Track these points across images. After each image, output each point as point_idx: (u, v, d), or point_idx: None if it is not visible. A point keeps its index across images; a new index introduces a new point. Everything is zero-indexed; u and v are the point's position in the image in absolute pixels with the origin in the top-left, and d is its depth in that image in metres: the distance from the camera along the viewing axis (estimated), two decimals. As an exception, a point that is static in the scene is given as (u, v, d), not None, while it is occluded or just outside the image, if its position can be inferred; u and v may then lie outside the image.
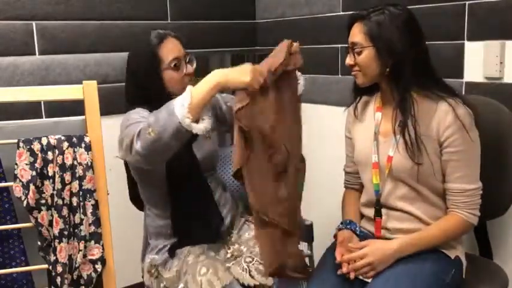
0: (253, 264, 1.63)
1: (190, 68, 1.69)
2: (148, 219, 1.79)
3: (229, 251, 1.73)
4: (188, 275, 1.60)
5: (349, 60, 1.57)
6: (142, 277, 1.79)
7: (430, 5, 2.03)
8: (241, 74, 1.42)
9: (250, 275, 1.60)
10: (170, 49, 1.64)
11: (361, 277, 1.49)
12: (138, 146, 1.42)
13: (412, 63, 1.48)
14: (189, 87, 1.44)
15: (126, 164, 1.80)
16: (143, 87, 1.65)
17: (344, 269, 1.49)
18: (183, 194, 1.69)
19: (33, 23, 2.26)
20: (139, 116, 1.56)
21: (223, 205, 1.78)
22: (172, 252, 1.70)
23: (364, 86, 1.60)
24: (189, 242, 1.70)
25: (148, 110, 1.58)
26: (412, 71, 1.48)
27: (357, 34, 1.52)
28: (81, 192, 1.66)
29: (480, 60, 1.89)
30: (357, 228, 1.63)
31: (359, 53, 1.52)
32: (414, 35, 1.51)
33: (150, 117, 1.44)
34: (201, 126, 1.42)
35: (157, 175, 1.66)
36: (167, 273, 1.67)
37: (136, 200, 1.86)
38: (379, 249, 1.48)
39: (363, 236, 1.61)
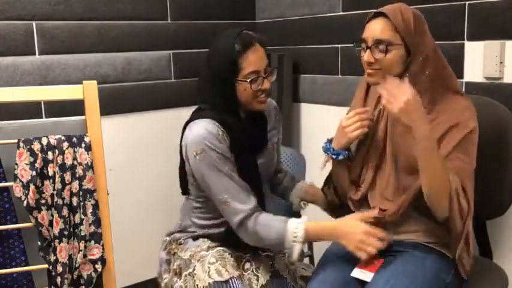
0: (258, 268, 1.66)
1: (267, 84, 1.60)
2: (193, 214, 1.73)
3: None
4: (198, 262, 1.63)
5: (369, 57, 1.46)
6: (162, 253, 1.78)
7: (430, 5, 2.03)
8: (357, 247, 1.46)
9: (255, 273, 1.64)
10: (252, 61, 1.55)
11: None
12: (240, 232, 1.56)
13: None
14: (305, 221, 1.51)
15: (181, 159, 1.68)
16: (215, 91, 1.59)
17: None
18: None
19: (33, 23, 2.26)
20: (216, 157, 1.54)
21: None
22: (196, 237, 1.71)
23: (374, 85, 1.52)
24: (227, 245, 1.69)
25: (217, 121, 1.56)
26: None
27: (386, 31, 1.44)
28: (81, 192, 1.66)
29: (480, 60, 1.89)
30: (346, 153, 1.58)
31: (386, 51, 1.44)
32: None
33: (256, 231, 1.53)
34: (300, 252, 1.52)
35: None
36: (182, 253, 1.69)
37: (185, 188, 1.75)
38: None
39: None
